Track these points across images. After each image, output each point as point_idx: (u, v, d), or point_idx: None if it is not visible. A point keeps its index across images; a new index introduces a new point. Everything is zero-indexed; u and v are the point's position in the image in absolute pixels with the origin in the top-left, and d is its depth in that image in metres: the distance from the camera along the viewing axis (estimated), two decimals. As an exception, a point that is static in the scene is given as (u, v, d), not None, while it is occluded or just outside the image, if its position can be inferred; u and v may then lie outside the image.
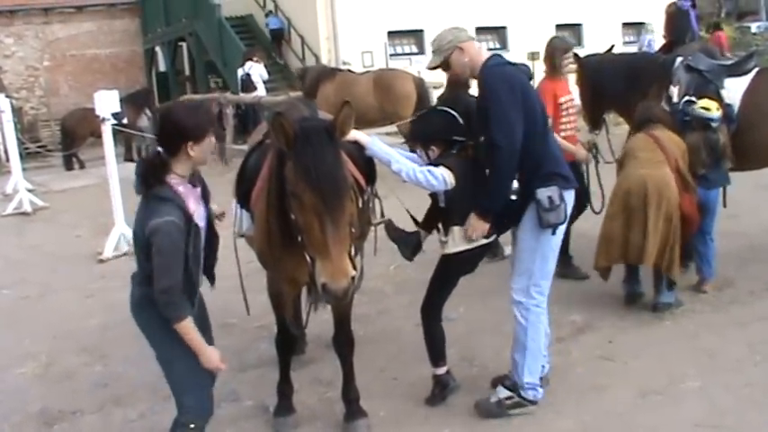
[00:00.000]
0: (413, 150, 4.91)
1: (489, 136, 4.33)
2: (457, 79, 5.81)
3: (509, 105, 4.28)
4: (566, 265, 6.99)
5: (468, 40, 4.55)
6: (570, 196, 4.55)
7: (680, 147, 5.98)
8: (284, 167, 3.79)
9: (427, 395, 4.93)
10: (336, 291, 3.55)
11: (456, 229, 4.50)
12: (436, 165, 4.51)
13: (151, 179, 3.61)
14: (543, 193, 4.35)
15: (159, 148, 3.70)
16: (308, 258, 3.80)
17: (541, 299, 4.60)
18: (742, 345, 5.38)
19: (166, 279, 3.51)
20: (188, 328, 3.61)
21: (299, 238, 3.78)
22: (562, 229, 4.52)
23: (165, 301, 3.54)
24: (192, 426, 3.84)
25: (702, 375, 4.99)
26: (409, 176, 4.38)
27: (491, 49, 15.55)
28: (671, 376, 5.00)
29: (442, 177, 4.42)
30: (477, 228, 4.45)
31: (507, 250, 6.35)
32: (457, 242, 4.52)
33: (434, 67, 4.67)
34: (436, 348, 4.87)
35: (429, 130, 4.77)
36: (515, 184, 4.49)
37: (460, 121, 4.66)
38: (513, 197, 4.51)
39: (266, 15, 23.34)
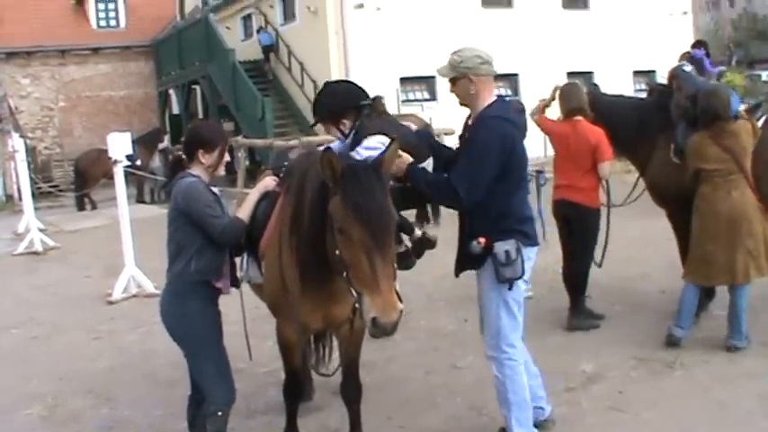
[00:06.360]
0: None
1: (453, 178, 4.28)
2: None
3: (486, 166, 4.25)
4: (576, 316, 6.94)
5: (486, 74, 4.42)
6: (531, 252, 4.51)
7: (748, 132, 6.01)
8: (325, 203, 3.80)
9: None
10: (386, 324, 3.54)
11: None
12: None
13: (175, 170, 4.48)
14: (501, 248, 4.32)
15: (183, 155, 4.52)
16: (353, 294, 3.78)
17: (513, 351, 4.54)
18: (753, 397, 5.31)
19: (219, 222, 4.22)
20: (243, 207, 4.43)
21: (344, 274, 3.74)
22: (519, 283, 4.46)
23: (227, 232, 4.25)
24: (220, 414, 4.36)
25: (713, 427, 4.92)
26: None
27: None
28: (682, 428, 4.94)
29: None
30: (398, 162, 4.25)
31: (529, 293, 6.43)
32: None
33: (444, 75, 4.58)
34: None
35: (335, 100, 4.65)
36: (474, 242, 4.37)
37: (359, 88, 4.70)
38: (476, 248, 4.38)
39: (257, 32, 23.93)
